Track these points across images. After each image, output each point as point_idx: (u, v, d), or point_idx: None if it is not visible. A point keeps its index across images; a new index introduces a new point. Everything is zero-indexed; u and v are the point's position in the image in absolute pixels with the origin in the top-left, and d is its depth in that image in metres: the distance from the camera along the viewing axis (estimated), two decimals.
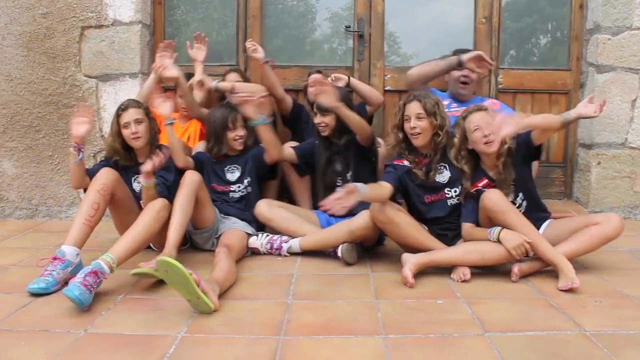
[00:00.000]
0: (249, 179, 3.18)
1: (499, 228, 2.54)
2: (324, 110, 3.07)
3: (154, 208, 2.59)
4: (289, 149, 3.26)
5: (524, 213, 2.68)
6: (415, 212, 2.86)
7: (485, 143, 2.64)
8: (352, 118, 2.94)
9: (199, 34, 3.63)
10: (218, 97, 3.67)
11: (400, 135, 2.84)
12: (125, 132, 2.87)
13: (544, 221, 2.79)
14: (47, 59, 3.80)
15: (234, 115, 3.12)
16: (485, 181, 2.72)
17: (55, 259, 2.43)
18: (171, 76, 3.36)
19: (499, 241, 2.52)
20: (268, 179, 3.34)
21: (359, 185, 2.52)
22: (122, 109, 2.90)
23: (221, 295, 2.28)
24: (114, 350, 1.86)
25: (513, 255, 2.49)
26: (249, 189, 3.19)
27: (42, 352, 1.84)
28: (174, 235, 2.56)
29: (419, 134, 2.77)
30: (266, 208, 3.05)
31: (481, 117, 2.67)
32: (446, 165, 2.81)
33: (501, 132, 2.52)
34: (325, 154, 3.17)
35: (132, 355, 1.83)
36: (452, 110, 3.39)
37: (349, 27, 4.02)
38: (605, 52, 3.81)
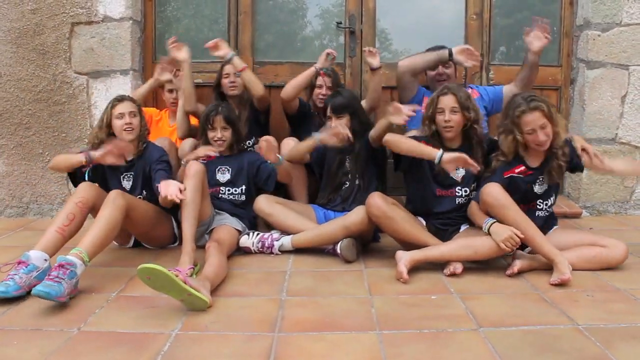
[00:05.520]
0: (243, 187, 3.14)
1: (492, 220, 2.55)
2: (338, 113, 3.08)
3: (108, 199, 2.55)
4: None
5: (546, 217, 2.76)
6: (421, 203, 2.86)
7: (538, 144, 2.62)
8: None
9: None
10: (216, 96, 3.61)
11: (433, 127, 2.81)
12: (118, 123, 2.87)
13: (551, 228, 2.81)
14: (36, 55, 3.77)
15: (214, 115, 3.08)
16: (522, 168, 2.70)
17: (19, 263, 2.36)
18: (180, 59, 3.36)
19: (489, 234, 2.54)
20: (265, 190, 3.20)
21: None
22: (117, 99, 2.91)
23: (214, 292, 2.28)
24: (108, 348, 1.86)
25: (502, 248, 2.49)
26: (243, 197, 3.14)
27: (35, 350, 1.83)
28: (188, 229, 2.62)
29: (452, 127, 2.76)
30: (265, 204, 3.03)
31: (535, 119, 2.58)
32: None
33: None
34: (338, 155, 3.15)
35: (126, 353, 1.82)
36: None
37: (340, 23, 4.02)
38: (595, 49, 3.83)
